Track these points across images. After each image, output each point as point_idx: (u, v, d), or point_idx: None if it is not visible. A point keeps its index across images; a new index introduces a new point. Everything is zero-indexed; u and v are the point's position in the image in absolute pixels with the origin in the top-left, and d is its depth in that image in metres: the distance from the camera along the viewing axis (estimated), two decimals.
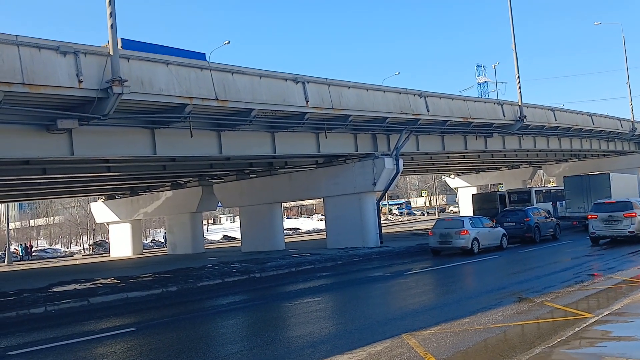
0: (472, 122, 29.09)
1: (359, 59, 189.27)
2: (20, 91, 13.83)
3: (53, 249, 60.90)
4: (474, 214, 34.30)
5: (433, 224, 25.14)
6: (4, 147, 15.91)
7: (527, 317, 9.38)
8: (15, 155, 17.23)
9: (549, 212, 30.21)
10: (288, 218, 79.93)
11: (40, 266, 39.12)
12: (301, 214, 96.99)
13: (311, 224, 73.17)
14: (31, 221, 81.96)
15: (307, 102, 21.11)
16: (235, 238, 54.17)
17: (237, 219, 48.08)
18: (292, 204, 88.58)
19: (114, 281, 19.18)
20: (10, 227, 52.18)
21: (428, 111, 26.26)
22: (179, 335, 10.14)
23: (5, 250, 47.77)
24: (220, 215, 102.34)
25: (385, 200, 71.47)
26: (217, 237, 64.03)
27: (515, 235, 25.50)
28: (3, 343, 10.24)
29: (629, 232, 21.17)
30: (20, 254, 53.50)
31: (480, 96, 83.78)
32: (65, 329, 11.46)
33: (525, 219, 25.78)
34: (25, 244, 57.09)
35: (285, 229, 43.40)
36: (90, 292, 16.45)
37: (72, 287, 18.22)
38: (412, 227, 51.57)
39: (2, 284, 21.28)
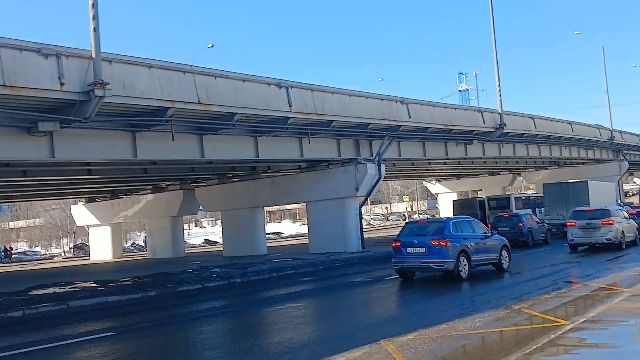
0: (453, 129, 29.34)
1: (343, 64, 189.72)
2: (1, 93, 13.70)
3: (33, 252, 60.09)
4: None
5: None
6: None
7: (505, 323, 9.49)
8: None
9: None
10: (271, 222, 79.44)
11: (19, 269, 38.62)
12: (284, 218, 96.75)
13: (294, 228, 73.04)
14: (11, 223, 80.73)
15: (290, 107, 21.14)
16: (217, 242, 53.86)
17: (219, 222, 47.90)
18: (275, 208, 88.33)
19: (94, 285, 19.00)
20: None
21: (410, 118, 26.44)
22: (157, 340, 10.11)
23: None
24: (202, 219, 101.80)
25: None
26: (198, 241, 63.61)
27: (510, 239, 26.08)
28: None
29: (606, 239, 21.45)
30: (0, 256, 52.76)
31: (461, 103, 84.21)
32: (44, 333, 11.36)
33: (519, 224, 26.65)
34: (5, 247, 56.32)
35: (268, 233, 43.33)
36: (69, 295, 16.25)
37: (51, 290, 18.01)
38: (393, 233, 51.73)
39: None
